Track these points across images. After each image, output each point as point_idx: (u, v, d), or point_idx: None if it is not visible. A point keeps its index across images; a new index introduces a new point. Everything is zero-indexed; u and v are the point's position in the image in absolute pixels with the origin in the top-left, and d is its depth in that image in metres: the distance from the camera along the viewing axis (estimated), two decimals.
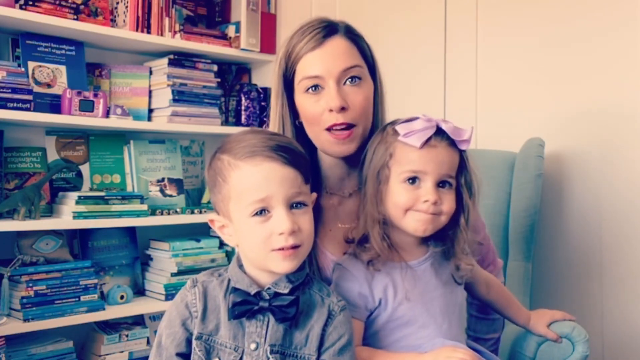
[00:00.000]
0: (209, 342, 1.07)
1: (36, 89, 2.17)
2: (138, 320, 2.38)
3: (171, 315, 1.11)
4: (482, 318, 1.48)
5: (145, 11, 2.41)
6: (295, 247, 1.04)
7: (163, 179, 2.49)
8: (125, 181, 2.44)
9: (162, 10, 2.46)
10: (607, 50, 2.00)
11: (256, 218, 1.04)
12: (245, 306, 1.05)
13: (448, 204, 1.16)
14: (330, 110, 1.22)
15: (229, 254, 2.51)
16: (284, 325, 1.06)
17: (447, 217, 1.17)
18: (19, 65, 2.15)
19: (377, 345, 1.19)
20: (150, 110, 2.49)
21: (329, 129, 1.24)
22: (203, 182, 2.66)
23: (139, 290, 2.42)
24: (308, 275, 1.12)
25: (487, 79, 2.29)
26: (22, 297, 2.02)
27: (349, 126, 1.24)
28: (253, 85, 2.74)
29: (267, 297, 1.06)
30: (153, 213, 2.36)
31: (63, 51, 2.28)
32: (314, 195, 1.13)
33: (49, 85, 2.23)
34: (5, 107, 2.00)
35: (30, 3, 2.11)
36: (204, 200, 2.59)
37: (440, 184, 1.16)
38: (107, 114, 2.25)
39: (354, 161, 1.28)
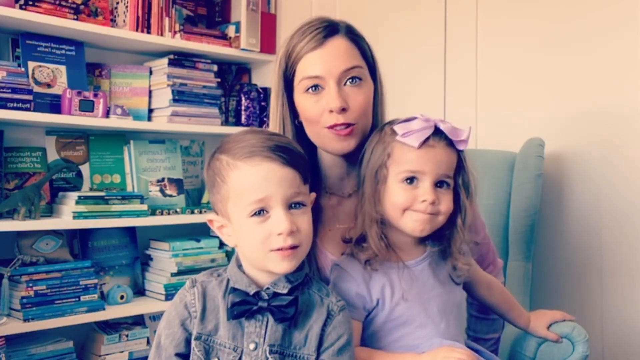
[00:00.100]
0: (208, 342, 1.07)
1: (36, 89, 2.17)
2: (138, 320, 2.39)
3: (170, 315, 1.11)
4: (482, 318, 1.48)
5: (145, 11, 2.41)
6: (293, 247, 1.04)
7: (163, 179, 2.49)
8: (125, 181, 2.44)
9: (162, 10, 2.46)
10: (607, 50, 2.00)
11: (255, 218, 1.04)
12: (244, 306, 1.05)
13: (446, 204, 1.16)
14: (331, 111, 1.22)
15: (229, 254, 2.51)
16: (283, 325, 1.06)
17: (445, 217, 1.17)
18: (19, 65, 2.15)
19: (375, 345, 1.19)
20: (150, 110, 2.49)
21: (329, 127, 1.24)
22: (203, 182, 2.66)
23: (139, 290, 2.43)
24: (307, 275, 1.12)
25: (487, 79, 2.29)
26: (22, 297, 2.02)
27: (349, 124, 1.24)
28: (253, 85, 2.74)
29: (266, 297, 1.06)
30: (153, 213, 2.36)
31: (63, 51, 2.28)
32: (313, 195, 1.13)
33: (49, 85, 2.23)
34: (5, 107, 2.00)
35: (30, 3, 2.12)
36: (204, 200, 2.59)
37: (438, 184, 1.17)
38: (107, 114, 2.25)
39: (353, 161, 1.28)
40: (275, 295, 1.06)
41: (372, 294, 1.18)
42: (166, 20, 2.46)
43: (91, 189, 2.33)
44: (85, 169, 2.36)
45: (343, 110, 1.22)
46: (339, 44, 1.25)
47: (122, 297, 2.27)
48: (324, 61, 1.23)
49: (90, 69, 2.39)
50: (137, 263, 2.45)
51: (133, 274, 2.43)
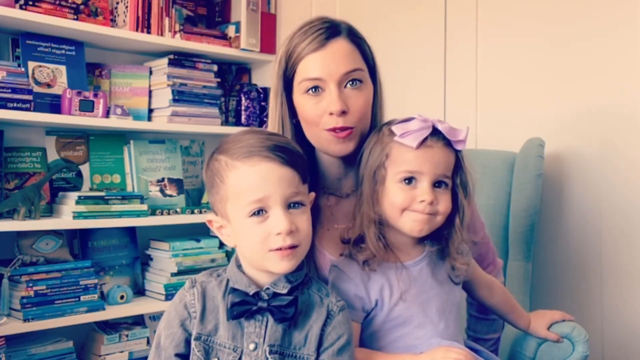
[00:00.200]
0: (208, 342, 1.07)
1: (36, 89, 2.17)
2: (138, 320, 2.39)
3: (170, 315, 1.11)
4: (481, 318, 1.48)
5: (145, 11, 2.41)
6: (293, 247, 1.04)
7: (163, 179, 2.49)
8: (125, 181, 2.44)
9: (162, 10, 2.46)
10: (607, 50, 2.00)
11: (254, 218, 1.04)
12: (244, 306, 1.05)
13: (444, 204, 1.17)
14: (331, 114, 1.22)
15: (229, 254, 2.51)
16: (283, 326, 1.06)
17: (443, 217, 1.18)
18: (19, 65, 2.15)
19: (374, 345, 1.19)
20: (150, 110, 2.49)
21: (328, 130, 1.24)
22: (203, 182, 2.66)
23: (139, 290, 2.43)
24: (307, 275, 1.12)
25: (487, 79, 2.29)
26: (22, 297, 2.02)
27: (349, 128, 1.24)
28: (253, 85, 2.74)
29: (266, 297, 1.06)
30: (153, 213, 2.36)
31: (63, 51, 2.28)
32: (312, 195, 1.13)
33: (49, 85, 2.23)
34: (5, 107, 2.00)
35: (30, 3, 2.12)
36: (204, 200, 2.59)
37: (436, 184, 1.17)
38: (107, 114, 2.25)
39: (352, 161, 1.28)
40: (275, 295, 1.06)
41: (370, 295, 1.18)
42: (166, 20, 2.46)
43: (91, 189, 2.33)
44: (85, 169, 2.37)
45: (343, 113, 1.22)
46: (340, 46, 1.24)
47: (122, 297, 2.27)
48: (325, 63, 1.23)
49: (90, 69, 2.39)
50: (137, 263, 2.45)
51: (133, 274, 2.43)
